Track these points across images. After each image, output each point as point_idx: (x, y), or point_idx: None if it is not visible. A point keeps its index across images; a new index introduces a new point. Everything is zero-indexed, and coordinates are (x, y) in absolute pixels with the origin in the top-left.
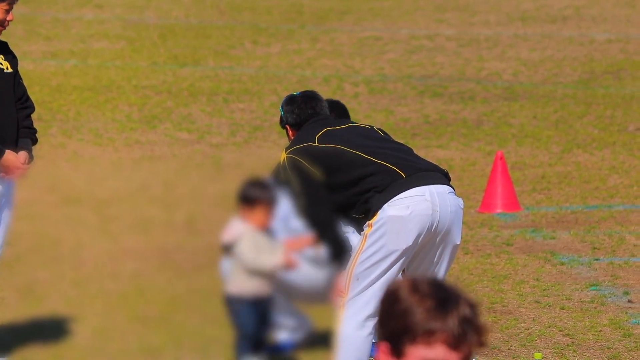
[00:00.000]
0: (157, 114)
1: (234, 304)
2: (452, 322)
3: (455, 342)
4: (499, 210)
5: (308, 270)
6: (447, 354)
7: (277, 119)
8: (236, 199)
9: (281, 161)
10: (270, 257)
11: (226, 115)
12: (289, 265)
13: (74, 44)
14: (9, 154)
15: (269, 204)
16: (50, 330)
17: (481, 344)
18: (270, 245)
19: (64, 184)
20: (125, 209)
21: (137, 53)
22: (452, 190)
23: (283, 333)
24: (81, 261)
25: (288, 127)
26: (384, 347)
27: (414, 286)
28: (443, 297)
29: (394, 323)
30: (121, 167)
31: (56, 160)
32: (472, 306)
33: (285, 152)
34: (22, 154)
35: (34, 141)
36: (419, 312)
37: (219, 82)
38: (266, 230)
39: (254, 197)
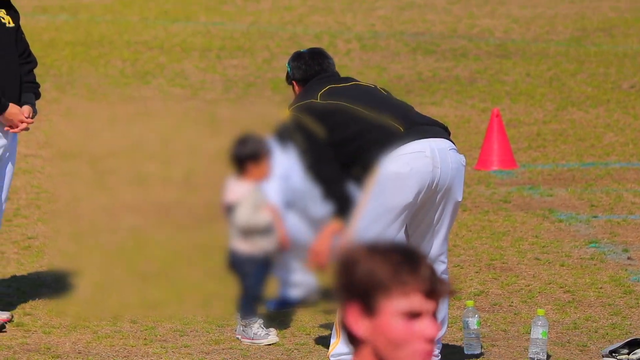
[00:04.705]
0: (150, 69)
1: (245, 265)
2: (424, 271)
3: (430, 291)
4: (495, 168)
5: (307, 230)
6: (423, 304)
7: (271, 75)
8: (229, 159)
9: (285, 118)
10: (265, 215)
11: (219, 72)
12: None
13: None
14: (12, 108)
15: (264, 157)
16: (51, 284)
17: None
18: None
19: (59, 139)
20: (121, 164)
21: (127, 8)
22: (454, 147)
23: (289, 289)
24: (79, 216)
25: (294, 83)
26: (354, 308)
27: (372, 247)
28: (406, 251)
29: (362, 283)
30: (116, 123)
31: (50, 115)
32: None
33: (289, 109)
34: (26, 108)
35: (37, 95)
36: (388, 266)
37: (210, 38)
38: (265, 180)
39: (247, 154)
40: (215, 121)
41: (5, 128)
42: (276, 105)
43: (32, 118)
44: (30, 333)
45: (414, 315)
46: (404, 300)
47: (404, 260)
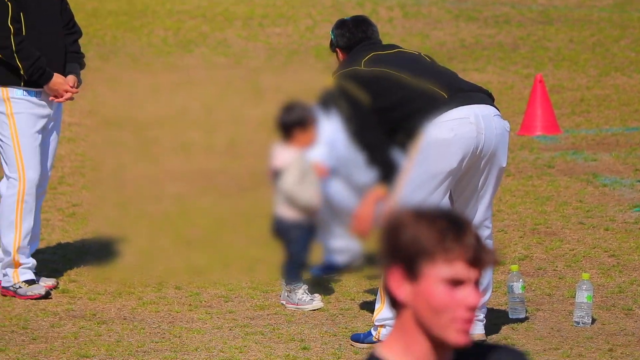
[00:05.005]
0: (192, 38)
1: (290, 231)
2: (469, 239)
3: (474, 259)
4: (538, 133)
5: (351, 196)
6: (466, 272)
7: (314, 43)
8: (276, 126)
9: (329, 86)
10: (310, 192)
11: (262, 40)
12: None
13: None
14: (57, 77)
15: (311, 123)
16: (96, 251)
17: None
18: (314, 180)
19: (103, 107)
20: (165, 132)
21: None
22: (498, 113)
23: (333, 254)
24: (123, 183)
25: (338, 51)
26: (396, 272)
27: (418, 212)
28: (452, 217)
29: (406, 248)
30: (159, 91)
31: (94, 84)
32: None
33: (333, 76)
34: (71, 78)
35: (82, 65)
36: (433, 232)
37: (253, 7)
38: (312, 147)
39: (294, 121)
40: (258, 89)
41: (50, 98)
42: (319, 72)
43: (76, 88)
44: (75, 299)
45: (456, 282)
46: (447, 267)
47: (449, 227)
